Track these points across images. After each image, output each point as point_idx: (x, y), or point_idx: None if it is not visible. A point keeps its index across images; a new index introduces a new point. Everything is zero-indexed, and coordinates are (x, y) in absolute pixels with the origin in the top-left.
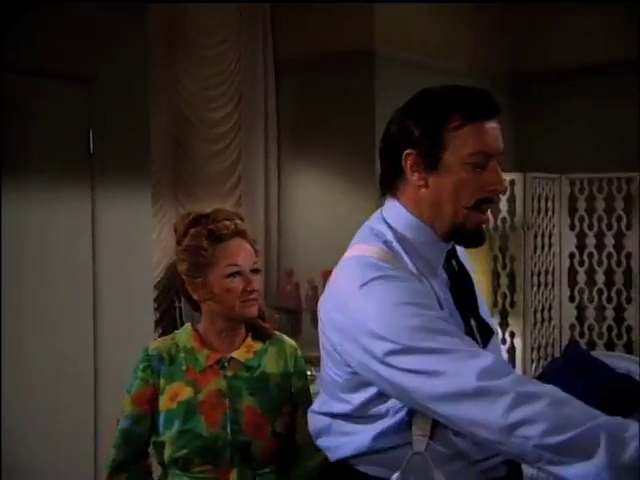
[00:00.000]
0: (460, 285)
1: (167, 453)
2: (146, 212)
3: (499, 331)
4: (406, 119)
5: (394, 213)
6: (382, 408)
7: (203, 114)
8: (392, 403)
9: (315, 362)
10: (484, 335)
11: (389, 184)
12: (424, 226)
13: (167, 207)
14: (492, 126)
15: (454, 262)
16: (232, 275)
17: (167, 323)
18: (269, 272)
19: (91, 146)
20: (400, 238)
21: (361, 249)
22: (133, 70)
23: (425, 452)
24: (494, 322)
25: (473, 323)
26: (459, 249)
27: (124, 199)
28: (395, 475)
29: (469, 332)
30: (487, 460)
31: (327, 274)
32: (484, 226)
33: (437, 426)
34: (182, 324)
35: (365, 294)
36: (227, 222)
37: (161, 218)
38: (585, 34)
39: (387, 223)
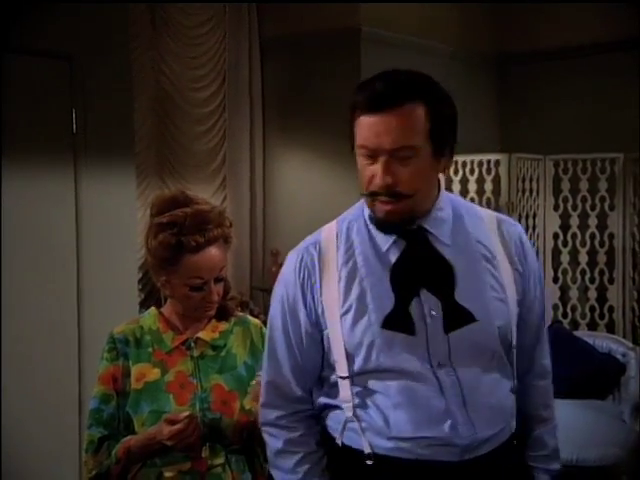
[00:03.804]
0: (426, 268)
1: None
2: (130, 193)
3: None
4: None
5: None
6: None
7: (187, 94)
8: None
9: None
10: (454, 319)
11: None
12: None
13: (152, 188)
14: (377, 121)
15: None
16: (194, 287)
17: (151, 304)
18: (255, 253)
19: (74, 126)
20: (358, 218)
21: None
22: (116, 49)
23: (354, 418)
24: (497, 309)
25: (432, 308)
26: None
27: (108, 180)
28: (337, 437)
29: (400, 312)
30: (417, 440)
31: None
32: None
33: (359, 396)
34: None
35: None
36: (198, 236)
37: (146, 199)
38: (570, 15)
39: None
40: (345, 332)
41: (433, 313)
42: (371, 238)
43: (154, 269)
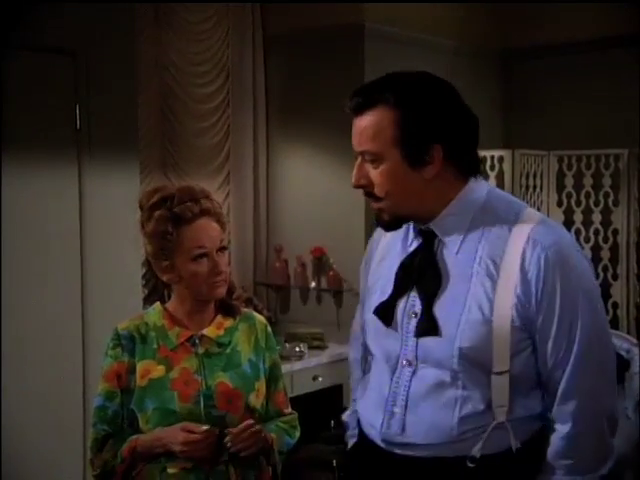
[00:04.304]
0: (421, 268)
1: (143, 432)
2: (134, 189)
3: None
4: None
5: None
6: None
7: (191, 90)
8: None
9: (303, 338)
10: (422, 327)
11: None
12: None
13: (155, 183)
14: (354, 123)
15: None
16: (198, 257)
17: (155, 300)
18: (258, 249)
19: (78, 122)
20: None
21: None
22: (120, 45)
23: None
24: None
25: (413, 306)
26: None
27: (112, 176)
28: None
29: (388, 303)
30: (365, 419)
31: (316, 251)
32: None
33: (365, 366)
34: None
35: None
36: (191, 204)
37: None
38: (574, 11)
39: None
40: (362, 308)
41: (413, 314)
42: (407, 230)
43: (155, 257)
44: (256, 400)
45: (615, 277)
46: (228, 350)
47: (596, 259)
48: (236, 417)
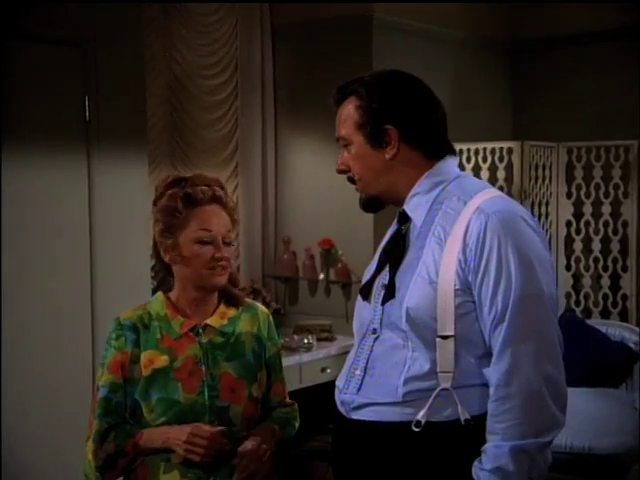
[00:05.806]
0: (393, 246)
1: (146, 422)
2: (143, 180)
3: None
4: None
5: None
6: None
7: (200, 82)
8: None
9: (311, 330)
10: (386, 294)
11: None
12: None
13: (164, 175)
14: (339, 113)
15: (403, 226)
16: (203, 241)
17: (165, 291)
18: (266, 241)
19: (87, 114)
20: None
21: None
22: (128, 37)
23: None
24: (420, 292)
25: (384, 278)
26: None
27: (121, 167)
28: None
29: (370, 281)
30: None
31: (324, 243)
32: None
33: None
34: None
35: None
36: (205, 187)
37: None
38: (583, 2)
39: None
40: None
41: (383, 286)
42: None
43: (161, 234)
44: (258, 390)
45: (625, 269)
46: (232, 340)
47: (606, 251)
48: (239, 407)
